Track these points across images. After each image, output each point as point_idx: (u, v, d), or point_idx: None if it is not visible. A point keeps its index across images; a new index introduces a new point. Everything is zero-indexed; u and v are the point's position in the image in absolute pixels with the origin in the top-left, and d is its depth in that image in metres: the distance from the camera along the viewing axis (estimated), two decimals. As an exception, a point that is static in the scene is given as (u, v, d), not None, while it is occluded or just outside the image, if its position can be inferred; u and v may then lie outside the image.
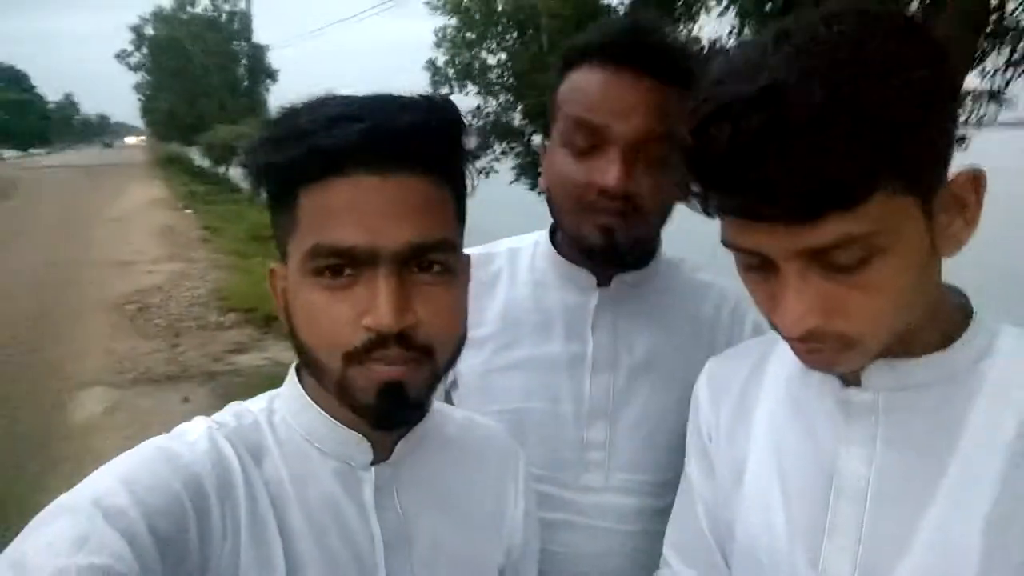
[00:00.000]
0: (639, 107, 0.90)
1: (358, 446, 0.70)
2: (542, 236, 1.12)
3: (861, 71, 0.53)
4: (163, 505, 0.58)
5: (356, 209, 0.61)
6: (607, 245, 0.95)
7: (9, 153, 73.25)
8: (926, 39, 0.57)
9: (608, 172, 0.91)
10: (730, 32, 4.00)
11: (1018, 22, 4.55)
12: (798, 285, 0.58)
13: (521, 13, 6.47)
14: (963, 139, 6.44)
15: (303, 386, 0.72)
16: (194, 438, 0.65)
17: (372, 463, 0.71)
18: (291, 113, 0.64)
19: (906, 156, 0.54)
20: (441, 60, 7.33)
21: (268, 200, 0.68)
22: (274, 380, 0.75)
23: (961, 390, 0.64)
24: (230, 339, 6.61)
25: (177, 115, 29.63)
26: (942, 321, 0.66)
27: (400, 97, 0.64)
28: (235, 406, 0.73)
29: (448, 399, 1.08)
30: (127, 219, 14.93)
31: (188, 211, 16.74)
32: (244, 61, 27.98)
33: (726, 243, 0.62)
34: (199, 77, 27.73)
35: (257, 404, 0.73)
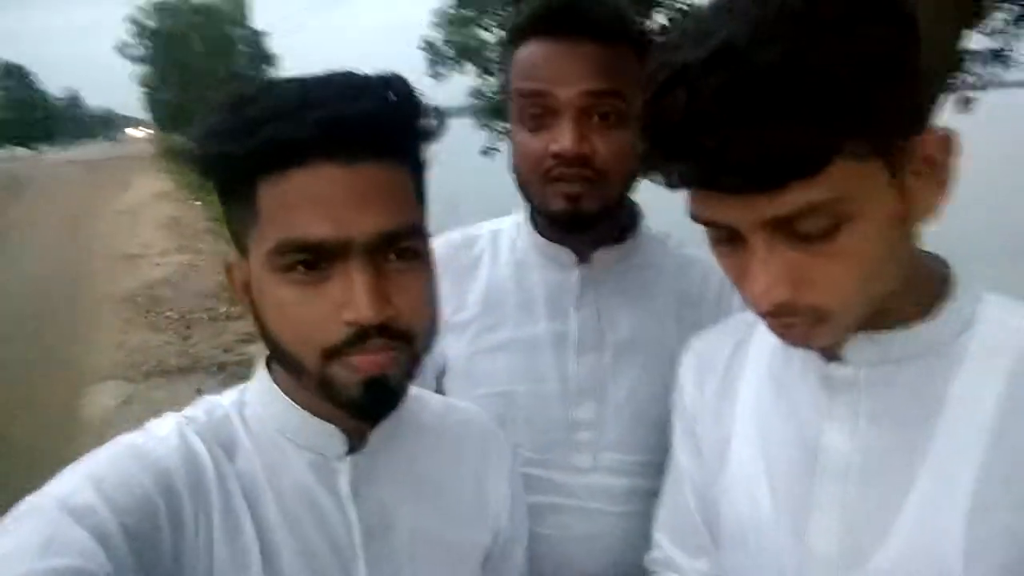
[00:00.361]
0: (581, 69, 0.91)
1: (331, 438, 0.70)
2: (519, 217, 1.12)
3: (817, 28, 0.51)
4: (133, 502, 0.58)
5: (322, 201, 0.59)
6: (574, 212, 0.95)
7: (19, 151, 73.55)
8: None
9: (561, 137, 0.92)
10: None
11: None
12: (764, 257, 0.56)
13: (517, -11, 6.39)
14: (968, 100, 6.33)
15: (274, 378, 0.71)
16: (164, 433, 0.65)
17: (347, 453, 0.71)
18: (243, 101, 0.61)
19: (869, 118, 0.52)
20: (439, 40, 7.24)
21: (220, 191, 0.65)
22: None
23: (943, 362, 0.63)
24: (240, 329, 6.63)
25: (181, 105, 29.62)
26: (922, 291, 0.65)
27: (354, 78, 0.62)
28: (205, 400, 0.72)
29: (439, 385, 1.08)
30: (134, 212, 14.98)
31: (195, 202, 16.78)
32: (244, 48, 27.86)
33: (693, 216, 0.61)
34: (201, 67, 27.67)
35: (228, 398, 0.73)
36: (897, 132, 0.55)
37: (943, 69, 2.63)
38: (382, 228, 0.61)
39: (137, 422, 0.69)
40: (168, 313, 7.23)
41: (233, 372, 5.48)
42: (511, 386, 1.02)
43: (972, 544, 0.58)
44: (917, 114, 0.57)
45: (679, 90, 0.53)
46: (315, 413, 0.69)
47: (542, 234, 1.07)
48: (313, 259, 0.60)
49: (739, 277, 0.61)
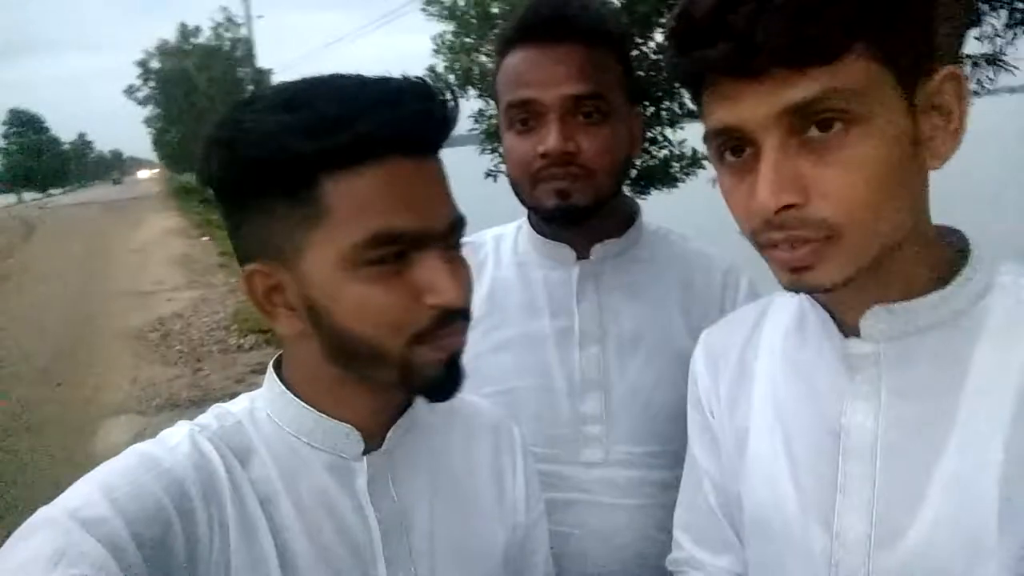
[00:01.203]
0: (564, 73, 0.94)
1: (348, 437, 0.70)
2: (522, 221, 1.14)
3: None
4: (145, 512, 0.58)
5: (404, 194, 0.62)
6: (566, 207, 0.97)
7: (29, 195, 74.57)
8: None
9: (547, 138, 0.94)
10: None
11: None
12: (775, 158, 0.57)
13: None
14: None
15: (285, 383, 0.71)
16: (175, 442, 0.65)
17: (364, 453, 0.70)
18: (296, 102, 0.60)
19: (884, 20, 0.55)
20: (440, 67, 7.33)
21: (254, 193, 0.63)
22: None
23: (963, 331, 0.62)
24: (252, 360, 6.66)
25: (188, 145, 30.03)
26: (937, 259, 0.64)
27: (403, 80, 0.63)
28: (216, 408, 0.72)
29: None
30: (145, 250, 15.14)
31: (204, 238, 16.93)
32: (249, 87, 28.29)
33: (710, 133, 0.62)
34: (207, 106, 28.10)
35: (238, 405, 0.72)
36: (909, 47, 0.57)
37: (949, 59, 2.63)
38: (451, 217, 0.65)
39: None
40: (179, 347, 7.26)
41: (245, 403, 5.49)
42: (517, 383, 1.03)
43: (1005, 510, 0.57)
44: (928, 43, 0.58)
45: None
46: (331, 414, 0.69)
47: (541, 233, 1.09)
48: (400, 250, 0.62)
49: (747, 198, 0.60)
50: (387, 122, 0.59)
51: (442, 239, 0.64)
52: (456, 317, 0.64)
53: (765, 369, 0.77)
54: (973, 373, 0.61)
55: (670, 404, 1.00)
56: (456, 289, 0.63)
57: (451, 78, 7.38)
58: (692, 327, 1.03)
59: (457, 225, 0.66)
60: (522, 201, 1.05)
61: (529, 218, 1.11)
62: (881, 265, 0.60)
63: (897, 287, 0.63)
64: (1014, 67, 5.97)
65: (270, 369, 0.73)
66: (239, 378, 6.15)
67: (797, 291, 0.63)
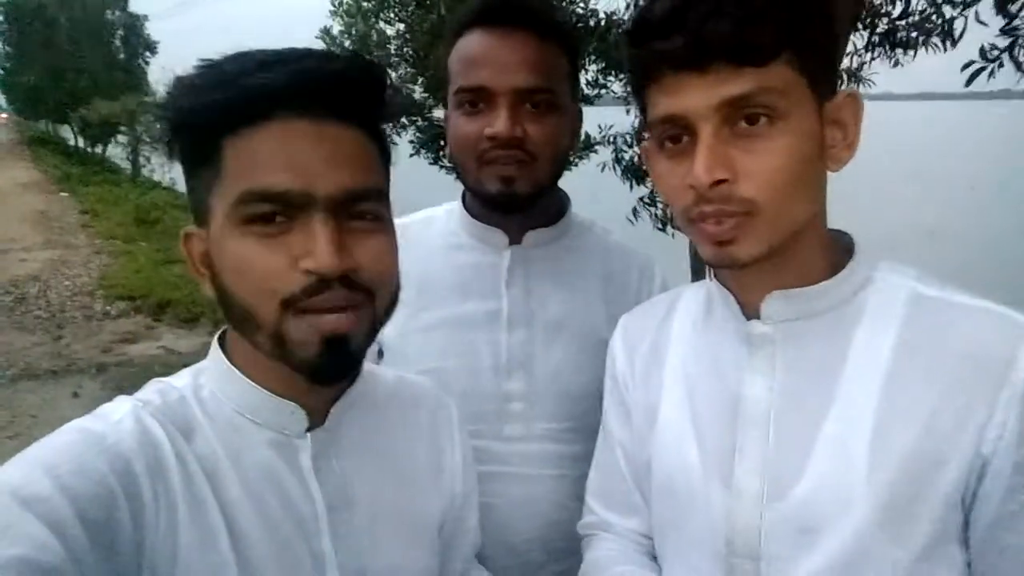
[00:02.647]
0: (518, 59, 0.97)
1: (292, 415, 0.70)
2: (455, 203, 1.15)
3: None
4: (89, 489, 0.56)
5: (289, 153, 0.60)
6: (508, 193, 1.00)
7: None
8: None
9: (495, 122, 0.97)
10: (627, 7, 4.09)
11: (878, 6, 4.87)
12: (712, 142, 0.67)
13: (418, -16, 6.35)
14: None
15: (229, 358, 0.70)
16: (118, 417, 0.63)
17: (308, 430, 0.71)
18: (215, 62, 0.62)
19: (808, 38, 0.66)
20: (336, 30, 7.08)
21: (185, 158, 0.65)
22: (170, 369, 0.73)
23: (846, 317, 0.73)
24: (119, 329, 6.26)
25: (45, 91, 27.31)
26: (828, 253, 0.74)
27: (326, 50, 0.65)
28: (157, 383, 0.70)
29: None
30: (-7, 204, 13.72)
31: (64, 194, 15.57)
32: (120, 32, 26.05)
33: (654, 121, 0.71)
34: (68, 50, 25.61)
35: (181, 380, 0.71)
36: (824, 65, 0.69)
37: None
38: (346, 186, 0.62)
39: (4, 428, 0.66)
40: (37, 312, 6.69)
41: (113, 374, 5.16)
42: (445, 362, 1.05)
43: (873, 467, 0.67)
44: (836, 63, 0.71)
45: None
46: (275, 391, 0.69)
47: (475, 217, 1.10)
48: (274, 211, 0.61)
49: (681, 179, 0.69)
50: (276, 79, 0.59)
51: (329, 205, 0.61)
52: (331, 287, 0.61)
53: (676, 350, 0.85)
54: (852, 351, 0.71)
55: (587, 385, 1.06)
56: (331, 255, 0.60)
57: (347, 43, 7.18)
58: (611, 315, 1.08)
59: (354, 196, 0.63)
60: (463, 182, 1.07)
61: (464, 201, 1.13)
62: (787, 250, 0.70)
63: (793, 275, 0.73)
64: (871, 81, 6.57)
65: (215, 343, 0.72)
66: (105, 347, 5.76)
67: (718, 265, 0.72)
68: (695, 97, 0.67)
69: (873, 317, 0.72)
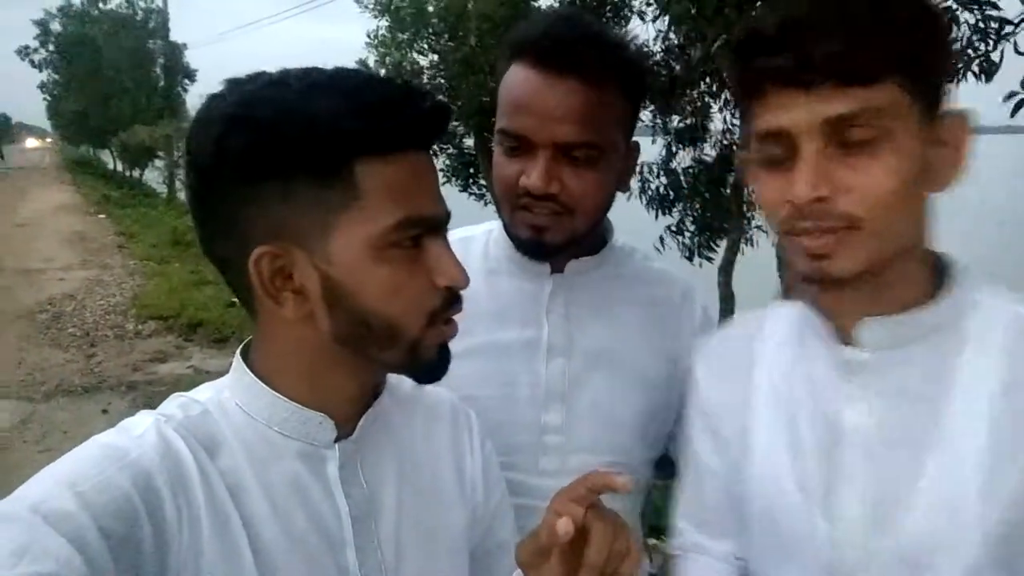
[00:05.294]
0: (562, 111, 0.91)
1: (321, 425, 0.70)
2: (496, 225, 1.12)
3: None
4: (112, 505, 0.56)
5: (423, 183, 0.67)
6: (537, 241, 0.97)
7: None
8: None
9: (532, 174, 0.93)
10: (656, 37, 4.11)
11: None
12: (815, 159, 0.67)
13: (452, 15, 6.47)
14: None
15: (253, 371, 0.70)
16: (140, 432, 0.63)
17: (335, 440, 0.71)
18: (356, 88, 0.63)
19: (916, 58, 0.66)
20: (372, 61, 7.22)
21: (287, 176, 0.62)
22: (200, 385, 0.73)
23: (948, 341, 0.72)
24: (150, 348, 6.34)
25: (88, 116, 28.17)
26: (923, 277, 0.73)
27: (420, 86, 0.68)
28: (179, 398, 0.70)
29: None
30: (34, 225, 14.09)
31: (101, 216, 15.95)
32: (160, 60, 26.85)
33: (757, 135, 0.71)
34: (112, 77, 26.45)
35: (203, 394, 0.71)
36: (934, 86, 0.68)
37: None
38: (447, 208, 0.71)
39: (36, 443, 0.66)
40: (71, 330, 6.82)
41: (142, 392, 5.22)
42: (482, 391, 1.02)
43: (985, 503, 0.67)
44: (944, 86, 0.70)
45: (780, 2, 0.68)
46: (303, 403, 0.69)
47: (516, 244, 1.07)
48: (420, 234, 0.66)
49: (780, 192, 0.69)
50: (420, 114, 0.64)
51: (444, 227, 0.69)
52: (460, 298, 0.70)
53: (766, 373, 0.84)
54: (958, 378, 0.70)
55: (627, 418, 1.04)
56: (462, 272, 0.68)
57: (382, 72, 7.31)
58: (652, 345, 1.07)
59: (449, 216, 0.71)
60: (500, 216, 1.05)
61: (506, 227, 1.09)
62: (884, 271, 0.69)
63: (889, 298, 0.72)
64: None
65: (238, 358, 0.72)
66: (136, 365, 5.84)
67: (813, 280, 0.70)
68: (799, 114, 0.67)
69: (977, 343, 0.71)
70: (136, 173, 24.61)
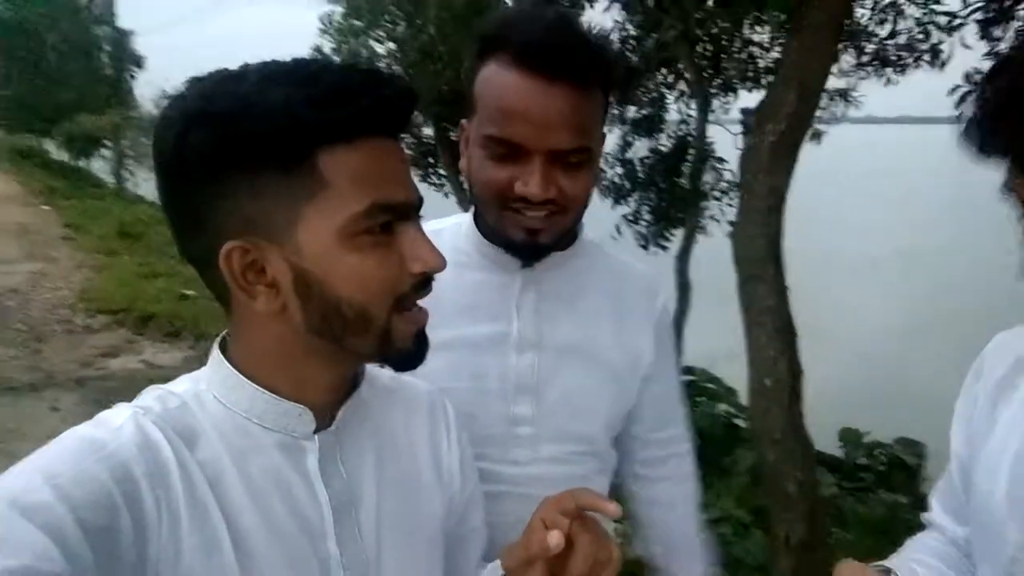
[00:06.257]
0: (557, 119, 0.91)
1: (300, 417, 0.70)
2: (464, 218, 1.12)
3: None
4: (90, 497, 0.56)
5: (393, 169, 0.67)
6: (532, 243, 0.98)
7: None
8: None
9: (530, 182, 0.92)
10: (612, 28, 4.14)
11: (865, 27, 4.98)
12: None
13: (409, 3, 6.41)
14: (819, 134, 7.01)
15: (233, 364, 0.70)
16: (118, 424, 0.63)
17: (314, 432, 0.71)
18: (311, 75, 0.62)
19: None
20: (327, 47, 7.11)
21: (251, 170, 0.61)
22: (151, 383, 0.72)
23: None
24: (100, 343, 6.17)
25: (29, 104, 27.08)
26: None
27: (388, 71, 0.69)
28: (155, 390, 0.70)
29: None
30: (-27, 217, 13.53)
31: (45, 207, 15.39)
32: (107, 47, 25.92)
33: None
34: (55, 64, 25.46)
35: (181, 386, 0.71)
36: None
37: (815, 104, 2.90)
38: (418, 193, 0.70)
39: None
40: (16, 326, 6.58)
41: (93, 388, 5.08)
42: (452, 383, 1.01)
43: None
44: None
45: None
46: (282, 394, 0.69)
47: (488, 237, 1.07)
48: (390, 220, 0.66)
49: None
50: (381, 100, 0.63)
51: (416, 212, 0.69)
52: (429, 282, 0.70)
53: None
54: None
55: (596, 408, 1.07)
56: (437, 255, 0.68)
57: (338, 60, 7.19)
58: (618, 338, 1.09)
59: (421, 201, 0.71)
60: (481, 212, 1.04)
61: (477, 221, 1.10)
62: None
63: None
64: (859, 100, 6.70)
65: (215, 350, 0.72)
66: (86, 361, 5.68)
67: None
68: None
69: None
70: (82, 163, 23.80)
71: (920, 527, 1.01)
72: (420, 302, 0.71)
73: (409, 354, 0.70)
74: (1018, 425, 0.83)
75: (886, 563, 0.95)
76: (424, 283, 0.69)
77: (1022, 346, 0.88)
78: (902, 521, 3.78)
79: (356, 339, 0.67)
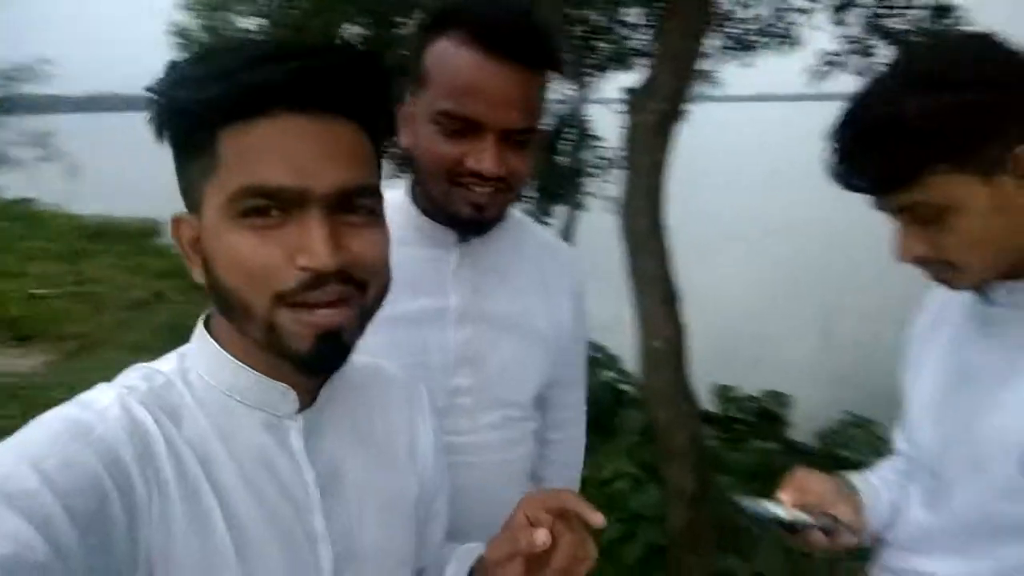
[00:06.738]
0: (513, 99, 0.95)
1: (284, 396, 0.70)
2: (397, 194, 1.13)
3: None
4: (77, 482, 0.55)
5: (285, 150, 0.61)
6: (479, 219, 1.02)
7: None
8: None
9: (483, 159, 0.96)
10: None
11: (727, 11, 5.32)
12: (903, 230, 0.90)
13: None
14: (684, 113, 7.43)
15: (216, 340, 0.69)
16: (104, 405, 0.62)
17: (298, 411, 0.72)
18: (214, 51, 0.62)
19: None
20: (192, 23, 6.68)
21: (177, 145, 0.65)
22: (12, 394, 0.70)
23: None
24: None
25: None
26: None
27: (329, 42, 0.65)
28: (140, 368, 0.69)
29: None
30: None
31: None
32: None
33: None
34: None
35: (166, 364, 0.70)
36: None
37: (690, 83, 3.09)
38: (343, 183, 0.63)
39: None
40: None
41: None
42: (394, 359, 1.02)
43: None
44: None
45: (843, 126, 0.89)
46: (265, 372, 0.69)
47: (425, 212, 1.10)
48: (270, 206, 0.61)
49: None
50: (275, 75, 0.60)
51: (325, 203, 0.62)
52: (327, 283, 0.62)
53: (932, 324, 1.09)
54: None
55: (530, 376, 1.14)
56: (328, 253, 0.61)
57: (204, 37, 6.79)
58: (545, 308, 1.16)
59: (351, 193, 0.64)
60: (424, 186, 1.05)
61: (413, 196, 1.12)
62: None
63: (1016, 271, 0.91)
64: (720, 82, 7.15)
65: (200, 326, 0.71)
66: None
67: None
68: (882, 204, 0.92)
69: None
70: None
71: (788, 468, 1.13)
72: None
73: (307, 357, 0.64)
74: (935, 370, 1.01)
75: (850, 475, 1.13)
76: (314, 282, 0.62)
77: (945, 298, 1.06)
78: (776, 465, 4.15)
79: (247, 327, 0.65)
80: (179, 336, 0.74)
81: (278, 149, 0.61)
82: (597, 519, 0.69)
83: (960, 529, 0.96)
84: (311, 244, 0.61)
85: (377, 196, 0.68)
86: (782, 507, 0.99)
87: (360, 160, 0.66)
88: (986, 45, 0.83)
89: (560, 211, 7.04)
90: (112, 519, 0.56)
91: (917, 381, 1.06)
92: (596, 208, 7.09)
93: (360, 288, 0.66)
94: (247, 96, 0.60)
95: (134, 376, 0.68)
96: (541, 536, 0.68)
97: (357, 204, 0.65)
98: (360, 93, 0.65)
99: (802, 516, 0.98)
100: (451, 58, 0.96)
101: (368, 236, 0.67)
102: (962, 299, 1.02)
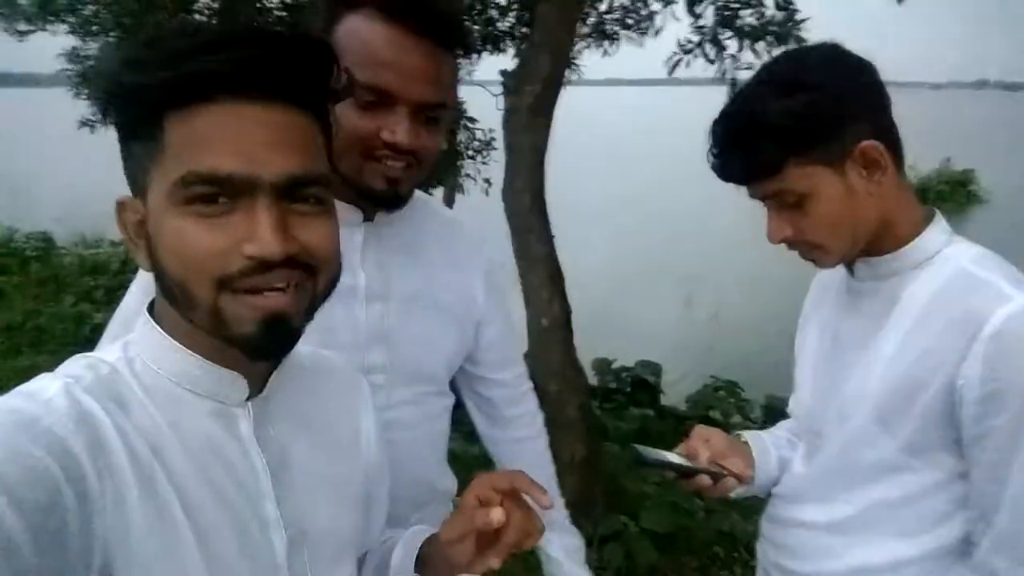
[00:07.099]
0: (424, 71, 0.96)
1: (233, 384, 0.69)
2: None
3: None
4: (25, 476, 0.53)
5: (233, 137, 0.60)
6: (392, 193, 1.02)
7: None
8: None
9: (397, 130, 0.96)
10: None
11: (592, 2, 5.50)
12: (772, 215, 1.02)
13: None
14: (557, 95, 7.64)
15: (162, 327, 0.67)
16: (49, 396, 0.59)
17: (247, 398, 0.71)
18: (159, 37, 0.60)
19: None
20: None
21: (122, 129, 0.64)
22: None
23: (905, 278, 1.00)
24: None
25: None
26: (904, 229, 1.01)
27: (275, 30, 0.63)
28: (83, 358, 0.66)
29: None
30: None
31: None
32: None
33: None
34: None
35: (111, 354, 0.67)
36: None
37: (565, 67, 3.19)
38: (291, 171, 0.62)
39: None
40: None
41: None
42: (305, 338, 1.03)
43: (883, 385, 0.99)
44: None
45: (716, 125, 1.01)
46: (212, 359, 0.67)
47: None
48: (216, 193, 0.60)
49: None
50: (222, 62, 0.59)
51: (273, 191, 0.61)
52: (272, 269, 0.61)
53: (812, 296, 1.28)
54: (899, 305, 1.02)
55: (442, 352, 1.16)
56: (274, 242, 0.60)
57: (28, 6, 6.13)
58: (455, 285, 1.18)
59: (299, 181, 0.63)
60: (334, 170, 1.03)
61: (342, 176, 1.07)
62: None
63: (875, 246, 1.04)
64: (581, 69, 7.39)
65: (145, 314, 0.69)
66: None
67: None
68: (752, 192, 1.06)
69: (921, 280, 0.99)
70: None
71: (664, 432, 1.30)
72: None
73: (252, 339, 0.63)
74: (816, 339, 1.16)
75: (746, 434, 1.25)
76: (259, 268, 0.61)
77: (827, 278, 1.20)
78: (653, 431, 4.42)
79: (191, 313, 0.64)
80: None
81: (226, 136, 0.60)
82: (546, 500, 0.73)
83: (824, 477, 1.09)
84: (259, 232, 0.60)
85: (326, 185, 0.67)
86: (674, 454, 1.11)
87: (309, 148, 0.65)
88: (833, 54, 0.97)
89: (437, 193, 7.03)
90: (65, 510, 0.55)
91: (803, 350, 1.20)
92: (475, 191, 7.15)
93: (310, 273, 0.66)
94: (192, 82, 0.58)
95: (78, 366, 0.66)
96: (496, 515, 0.71)
97: (306, 193, 0.64)
98: (308, 81, 0.64)
99: (691, 463, 1.10)
100: (365, 32, 0.96)
101: (317, 226, 0.66)
102: (839, 276, 1.14)
